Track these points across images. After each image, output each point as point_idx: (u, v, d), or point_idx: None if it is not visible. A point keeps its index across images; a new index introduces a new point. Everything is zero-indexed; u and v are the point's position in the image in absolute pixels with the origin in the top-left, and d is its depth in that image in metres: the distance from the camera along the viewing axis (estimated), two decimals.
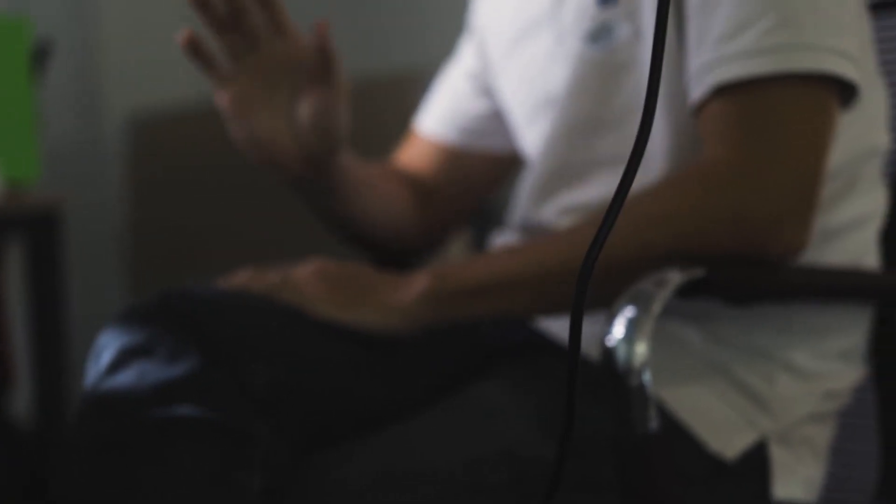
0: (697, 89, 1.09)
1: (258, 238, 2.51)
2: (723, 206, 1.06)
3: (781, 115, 1.06)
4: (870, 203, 1.16)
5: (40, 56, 2.30)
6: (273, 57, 1.17)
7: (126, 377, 1.01)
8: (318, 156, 1.21)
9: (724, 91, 1.07)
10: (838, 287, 1.14)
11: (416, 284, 1.11)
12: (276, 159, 1.20)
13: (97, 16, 2.84)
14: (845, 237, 1.14)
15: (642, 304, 1.00)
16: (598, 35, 1.17)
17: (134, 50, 2.88)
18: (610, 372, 0.99)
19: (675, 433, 1.09)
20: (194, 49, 1.16)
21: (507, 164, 1.38)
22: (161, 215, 2.74)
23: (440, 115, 1.39)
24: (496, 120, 1.35)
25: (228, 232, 2.62)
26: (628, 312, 1.00)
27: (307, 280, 1.12)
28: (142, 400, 1.00)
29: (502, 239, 1.28)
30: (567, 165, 1.20)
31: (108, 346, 1.04)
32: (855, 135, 1.13)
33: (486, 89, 1.35)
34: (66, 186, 2.63)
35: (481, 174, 1.38)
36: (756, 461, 1.12)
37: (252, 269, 1.15)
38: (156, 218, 2.75)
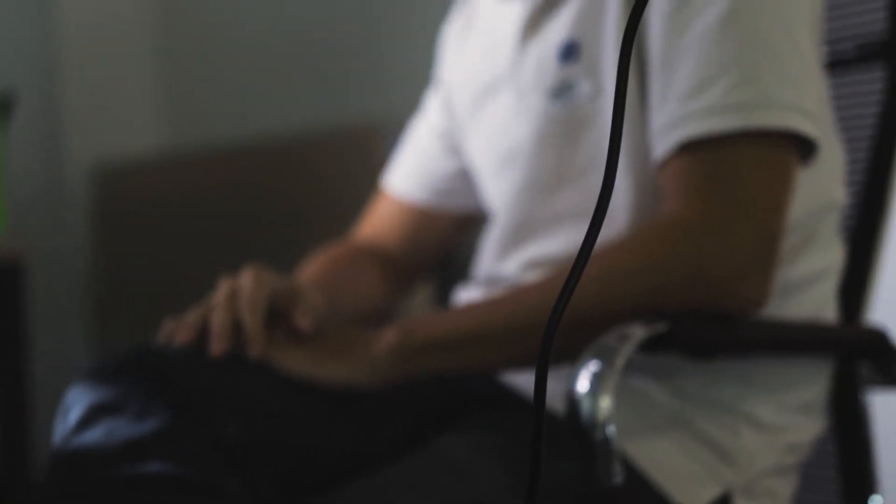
0: (661, 145, 1.11)
1: None
2: (685, 261, 1.07)
3: (743, 171, 1.08)
4: (828, 257, 1.18)
5: (4, 107, 2.30)
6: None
7: (95, 434, 1.01)
8: None
9: (687, 147, 1.09)
10: (799, 341, 1.16)
11: (384, 339, 1.12)
12: None
13: (60, 66, 2.84)
14: (805, 291, 1.16)
15: (606, 358, 1.01)
16: (560, 92, 1.19)
17: (98, 100, 2.89)
18: (575, 426, 1.00)
19: (641, 487, 1.10)
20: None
21: (470, 222, 1.40)
22: (126, 265, 2.73)
23: (410, 175, 1.40)
24: (464, 179, 1.37)
25: (193, 282, 2.61)
26: (592, 367, 1.01)
27: (277, 336, 1.13)
28: (111, 457, 1.00)
29: (467, 293, 1.30)
30: (530, 219, 1.22)
31: (77, 402, 1.04)
32: (813, 190, 1.15)
33: (455, 148, 1.37)
34: (31, 237, 2.62)
35: (447, 233, 1.40)
36: None
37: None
38: (120, 267, 2.74)
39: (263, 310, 1.12)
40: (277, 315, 1.14)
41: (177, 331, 1.13)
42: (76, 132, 2.85)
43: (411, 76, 2.07)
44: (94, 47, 2.90)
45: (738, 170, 1.08)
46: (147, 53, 2.95)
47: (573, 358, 1.02)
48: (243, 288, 1.13)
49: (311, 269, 1.36)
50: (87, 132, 2.86)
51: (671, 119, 1.09)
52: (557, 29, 1.20)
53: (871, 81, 1.27)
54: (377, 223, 1.42)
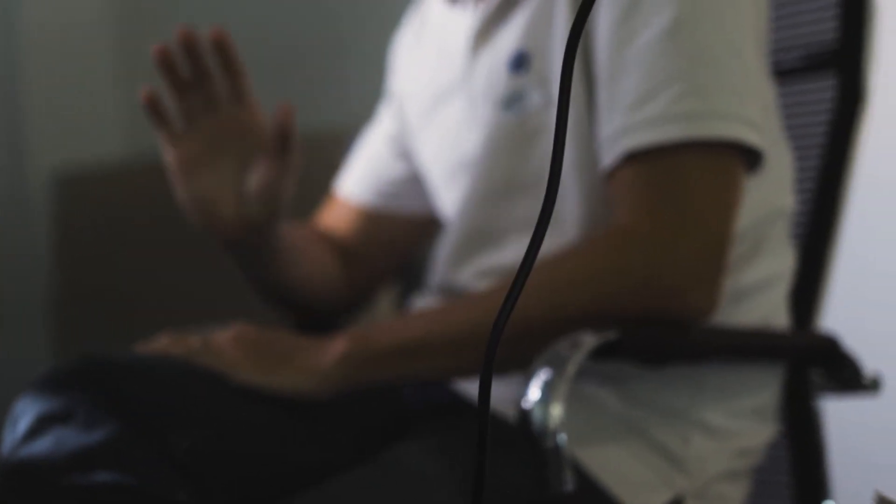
0: (608, 155, 1.11)
1: (187, 297, 2.51)
2: (634, 269, 1.08)
3: (689, 180, 1.09)
4: (778, 264, 1.19)
5: None
6: (228, 122, 1.19)
7: (43, 444, 1.01)
8: (259, 222, 1.22)
9: (634, 157, 1.10)
10: (749, 347, 1.17)
11: (334, 348, 1.12)
12: (216, 221, 1.22)
13: (22, 70, 2.83)
14: (755, 298, 1.17)
15: (557, 366, 1.02)
16: (511, 102, 1.19)
17: (60, 104, 2.87)
18: (526, 434, 1.00)
19: (592, 493, 1.11)
20: (154, 106, 1.17)
21: (427, 226, 1.40)
22: (88, 271, 2.72)
23: (360, 178, 1.41)
24: (414, 183, 1.38)
25: (157, 291, 2.61)
26: (544, 375, 1.01)
27: (227, 345, 1.13)
28: (60, 467, 0.99)
29: (422, 301, 1.30)
30: (483, 229, 1.22)
31: (25, 412, 1.04)
32: (761, 197, 1.16)
33: (405, 153, 1.38)
34: None
35: (401, 235, 1.40)
36: None
37: (171, 333, 1.16)
38: (82, 274, 2.73)
39: None
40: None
41: (174, 346, 1.14)
42: (38, 136, 2.84)
43: (371, 84, 2.07)
44: (56, 51, 2.88)
45: (685, 179, 1.09)
46: (110, 58, 2.95)
47: (524, 365, 1.03)
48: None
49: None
50: (50, 136, 2.85)
51: (617, 129, 1.10)
52: (507, 39, 1.20)
53: (822, 90, 1.28)
54: (329, 222, 1.42)
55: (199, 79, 1.17)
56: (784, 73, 1.30)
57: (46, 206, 2.78)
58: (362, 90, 2.39)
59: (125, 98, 2.94)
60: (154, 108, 1.17)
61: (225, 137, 1.19)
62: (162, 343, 1.15)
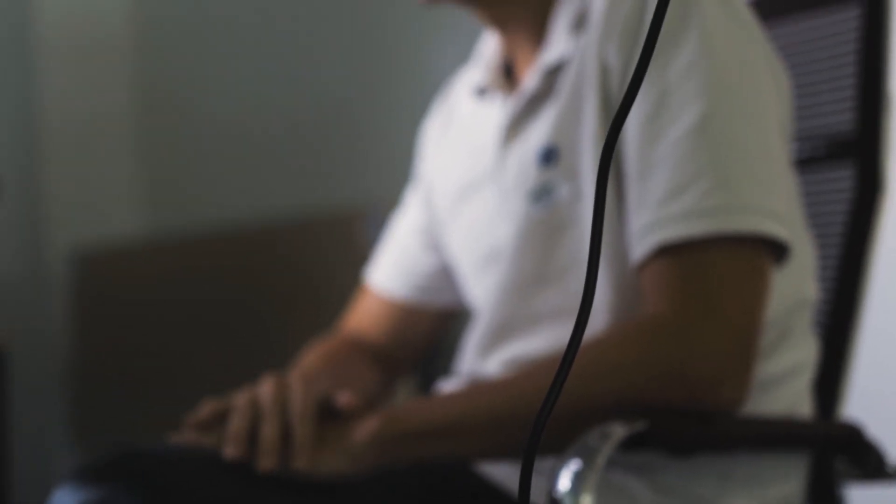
0: (640, 248, 1.13)
1: (205, 373, 2.52)
2: (663, 360, 1.09)
3: (718, 273, 1.11)
4: (802, 353, 1.21)
5: None
6: None
7: None
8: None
9: (664, 250, 1.12)
10: (776, 437, 1.18)
11: (366, 428, 1.13)
12: None
13: (42, 150, 2.86)
14: (781, 387, 1.19)
15: (587, 457, 1.03)
16: (540, 195, 1.21)
17: (79, 184, 2.90)
18: None
19: None
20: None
21: (455, 316, 1.42)
22: (106, 350, 2.74)
23: (391, 272, 1.43)
24: (444, 275, 1.39)
25: (174, 368, 2.62)
26: (573, 466, 1.03)
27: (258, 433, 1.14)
28: None
29: (448, 388, 1.31)
30: (512, 319, 1.24)
31: (64, 503, 1.05)
32: (787, 288, 1.18)
33: (434, 244, 1.40)
34: (11, 322, 2.62)
35: (431, 327, 1.42)
36: None
37: (211, 401, 1.17)
38: (101, 352, 2.74)
39: (314, 419, 1.13)
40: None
41: (225, 443, 1.13)
42: (57, 216, 2.87)
43: (393, 163, 2.10)
44: (75, 132, 2.92)
45: (714, 272, 1.11)
46: (128, 139, 2.98)
47: (550, 452, 1.04)
48: (294, 396, 1.14)
49: (310, 361, 1.37)
50: (68, 216, 2.88)
51: (648, 223, 1.12)
52: (537, 133, 1.23)
53: (841, 179, 1.30)
54: (362, 318, 1.44)
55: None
56: (804, 162, 1.32)
57: (65, 284, 2.80)
58: (385, 169, 2.42)
59: (144, 176, 2.97)
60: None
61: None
62: (193, 434, 1.16)
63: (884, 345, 1.72)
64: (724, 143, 1.12)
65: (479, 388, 1.17)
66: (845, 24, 1.31)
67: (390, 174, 2.10)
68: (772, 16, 1.34)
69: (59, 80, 2.88)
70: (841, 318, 1.27)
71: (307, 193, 2.66)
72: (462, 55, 1.55)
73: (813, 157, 1.32)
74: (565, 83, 1.21)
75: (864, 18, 1.29)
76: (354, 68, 2.67)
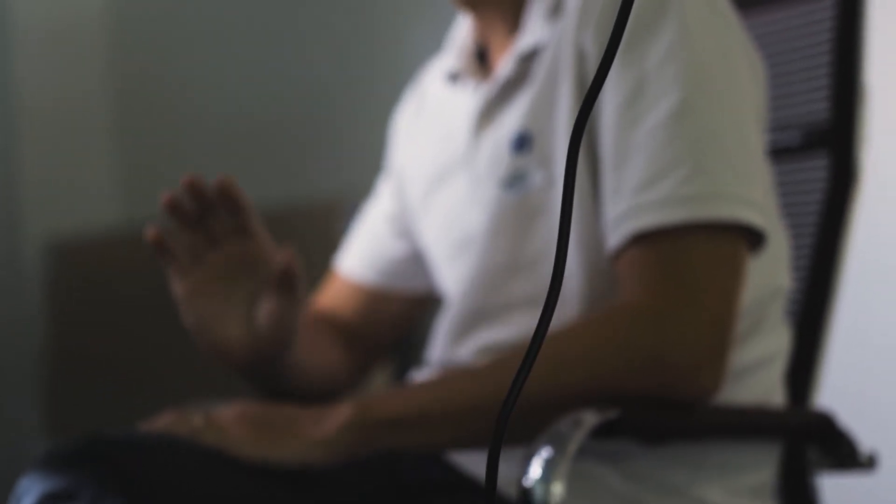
0: (615, 236, 1.13)
1: (180, 365, 2.51)
2: (637, 346, 1.09)
3: (694, 261, 1.10)
4: (775, 342, 1.21)
5: None
6: (235, 256, 1.20)
7: None
8: (268, 353, 1.23)
9: (640, 238, 1.11)
10: (748, 425, 1.18)
11: (337, 417, 1.13)
12: (223, 350, 1.22)
13: (16, 138, 2.84)
14: (753, 376, 1.18)
15: (558, 444, 1.03)
16: (513, 181, 1.21)
17: (54, 174, 2.89)
18: None
19: None
20: (160, 244, 1.18)
21: (426, 302, 1.41)
22: (81, 340, 2.72)
23: (360, 256, 1.42)
24: (414, 261, 1.39)
25: (149, 358, 2.61)
26: (545, 453, 1.02)
27: (230, 421, 1.13)
28: None
29: (421, 377, 1.31)
30: (484, 306, 1.24)
31: (29, 491, 1.04)
32: (761, 276, 1.18)
33: (405, 231, 1.39)
34: None
35: (401, 313, 1.42)
36: None
37: (174, 411, 1.16)
38: (76, 342, 2.73)
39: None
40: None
41: (177, 424, 1.14)
42: (33, 205, 2.85)
43: (372, 154, 2.10)
44: (51, 121, 2.90)
45: (691, 260, 1.10)
46: (105, 129, 2.97)
47: (525, 440, 1.04)
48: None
49: None
50: (44, 206, 2.86)
51: (624, 210, 1.12)
52: (510, 119, 1.22)
53: (815, 169, 1.30)
54: (330, 301, 1.43)
55: (201, 215, 1.18)
56: (778, 151, 1.32)
57: (40, 274, 2.79)
58: (360, 161, 2.42)
59: (119, 167, 2.96)
60: (160, 246, 1.18)
61: (232, 270, 1.20)
62: (165, 421, 1.15)
63: (856, 335, 1.72)
64: (701, 131, 1.11)
65: (452, 377, 1.17)
66: (820, 13, 1.31)
67: (368, 166, 2.09)
68: (747, 6, 1.34)
69: (36, 68, 2.87)
70: (814, 308, 1.27)
71: (285, 184, 2.65)
72: (441, 47, 1.54)
73: (787, 147, 1.32)
74: (540, 69, 1.20)
75: (839, 8, 1.29)
76: (334, 60, 2.66)
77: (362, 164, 2.33)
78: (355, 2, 2.63)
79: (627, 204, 1.11)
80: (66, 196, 2.90)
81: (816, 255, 1.28)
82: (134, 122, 2.95)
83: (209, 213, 1.18)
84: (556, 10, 1.21)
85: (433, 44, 1.88)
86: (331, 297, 1.44)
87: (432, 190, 1.31)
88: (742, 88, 1.16)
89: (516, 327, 1.21)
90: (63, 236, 2.79)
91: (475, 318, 1.24)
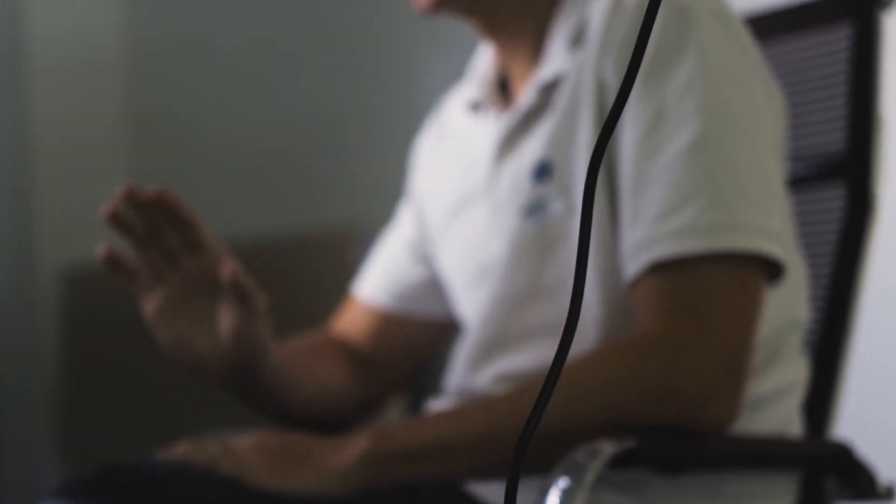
0: (632, 265, 1.13)
1: (194, 392, 2.51)
2: (653, 377, 1.09)
3: (712, 291, 1.11)
4: (793, 373, 1.21)
5: None
6: (193, 271, 1.20)
7: None
8: (239, 364, 1.22)
9: (657, 268, 1.11)
10: (765, 455, 1.17)
11: (355, 447, 1.13)
12: (198, 364, 1.22)
13: (31, 168, 2.86)
14: (771, 406, 1.18)
15: (575, 474, 1.02)
16: (533, 210, 1.21)
17: (68, 203, 2.90)
18: None
19: None
20: (114, 263, 1.19)
21: (444, 330, 1.41)
22: (95, 369, 2.72)
23: (378, 282, 1.42)
24: (432, 288, 1.39)
25: (162, 386, 2.61)
26: (562, 483, 1.02)
27: (248, 451, 1.13)
28: None
29: (440, 404, 1.31)
30: (503, 334, 1.24)
31: None
32: (779, 307, 1.18)
33: (424, 257, 1.39)
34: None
35: (416, 339, 1.41)
36: None
37: (192, 440, 1.16)
38: (90, 371, 2.73)
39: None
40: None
41: (194, 453, 1.14)
42: (46, 234, 2.86)
43: (386, 182, 2.10)
44: (64, 150, 2.92)
45: (707, 290, 1.10)
46: (118, 158, 2.98)
47: (541, 470, 1.03)
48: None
49: (284, 348, 1.35)
50: (58, 235, 2.87)
51: (642, 240, 1.12)
52: (531, 148, 1.23)
53: (832, 199, 1.30)
54: (346, 326, 1.43)
55: (152, 234, 1.18)
56: (795, 181, 1.32)
57: (54, 302, 2.79)
58: (375, 188, 2.42)
59: None
60: (115, 265, 1.18)
61: (193, 285, 1.20)
62: (182, 450, 1.15)
63: (874, 365, 1.72)
64: (720, 161, 1.12)
65: (469, 407, 1.17)
66: (836, 44, 1.31)
67: (383, 193, 2.10)
68: (764, 36, 1.34)
69: (50, 97, 2.88)
70: (831, 339, 1.27)
71: (299, 212, 2.66)
72: (455, 74, 1.55)
73: (804, 177, 1.33)
74: (561, 99, 1.21)
75: (856, 39, 1.29)
76: (347, 87, 2.67)
77: (377, 192, 2.33)
78: (370, 30, 2.64)
79: (645, 233, 1.12)
80: (79, 225, 2.91)
81: (833, 285, 1.27)
82: (148, 152, 2.96)
83: (161, 231, 1.18)
84: (577, 39, 1.21)
85: (448, 72, 1.89)
86: (346, 321, 1.44)
87: (453, 217, 1.32)
88: (761, 119, 1.16)
89: (535, 355, 1.21)
90: (77, 265, 2.79)
91: (493, 345, 1.24)
